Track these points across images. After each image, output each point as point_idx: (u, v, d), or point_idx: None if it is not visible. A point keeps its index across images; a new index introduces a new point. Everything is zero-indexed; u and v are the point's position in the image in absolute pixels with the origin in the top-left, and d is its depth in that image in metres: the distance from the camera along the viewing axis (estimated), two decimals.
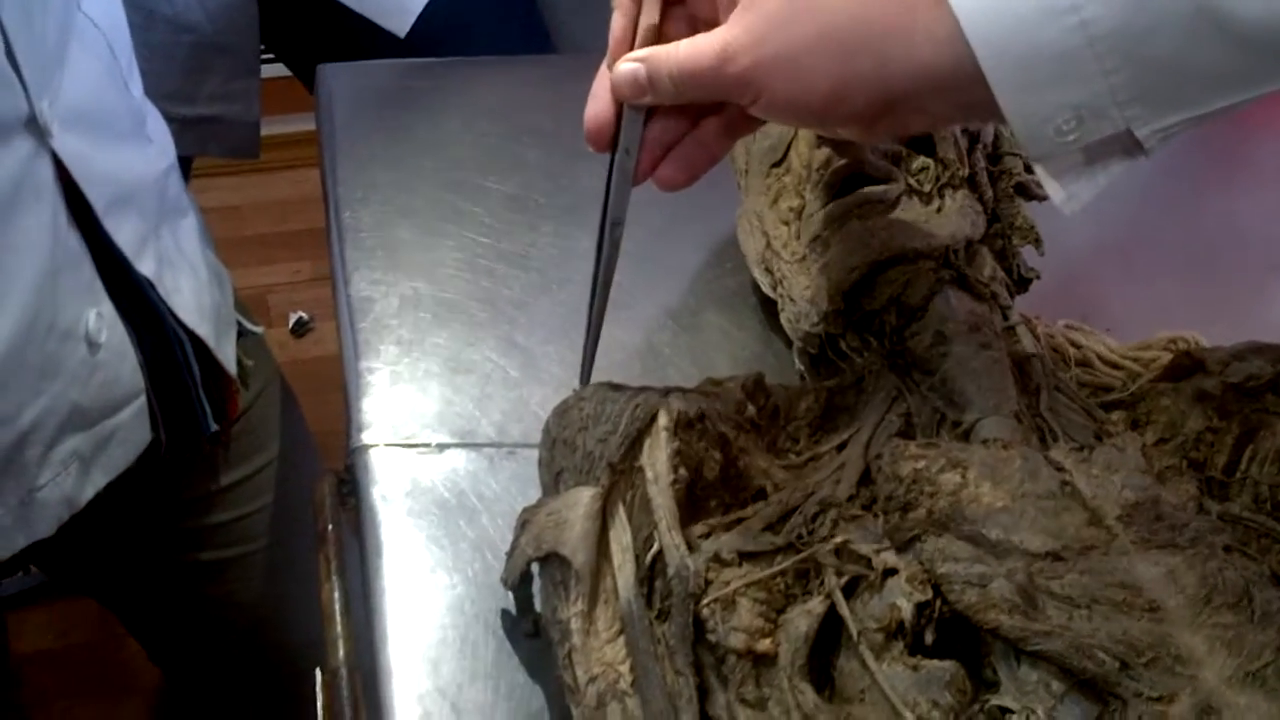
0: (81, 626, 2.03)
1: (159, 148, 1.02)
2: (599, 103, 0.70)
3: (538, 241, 1.00)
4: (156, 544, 1.17)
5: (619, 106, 0.70)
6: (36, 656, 1.98)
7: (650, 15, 0.71)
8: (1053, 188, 0.63)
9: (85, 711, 1.95)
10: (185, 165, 1.38)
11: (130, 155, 0.95)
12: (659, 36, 0.70)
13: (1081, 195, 0.63)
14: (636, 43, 0.70)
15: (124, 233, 0.91)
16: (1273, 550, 0.74)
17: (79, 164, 0.85)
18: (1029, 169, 0.88)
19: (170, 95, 1.25)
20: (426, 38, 1.27)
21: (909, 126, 0.69)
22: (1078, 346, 0.87)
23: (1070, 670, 0.59)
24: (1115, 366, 0.86)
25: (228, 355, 1.07)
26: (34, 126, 0.82)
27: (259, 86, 1.42)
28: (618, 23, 0.71)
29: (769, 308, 0.91)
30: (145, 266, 0.94)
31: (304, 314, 2.49)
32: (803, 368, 0.87)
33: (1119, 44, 0.57)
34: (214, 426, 1.06)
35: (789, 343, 0.88)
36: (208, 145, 1.41)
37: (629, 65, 0.68)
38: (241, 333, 1.13)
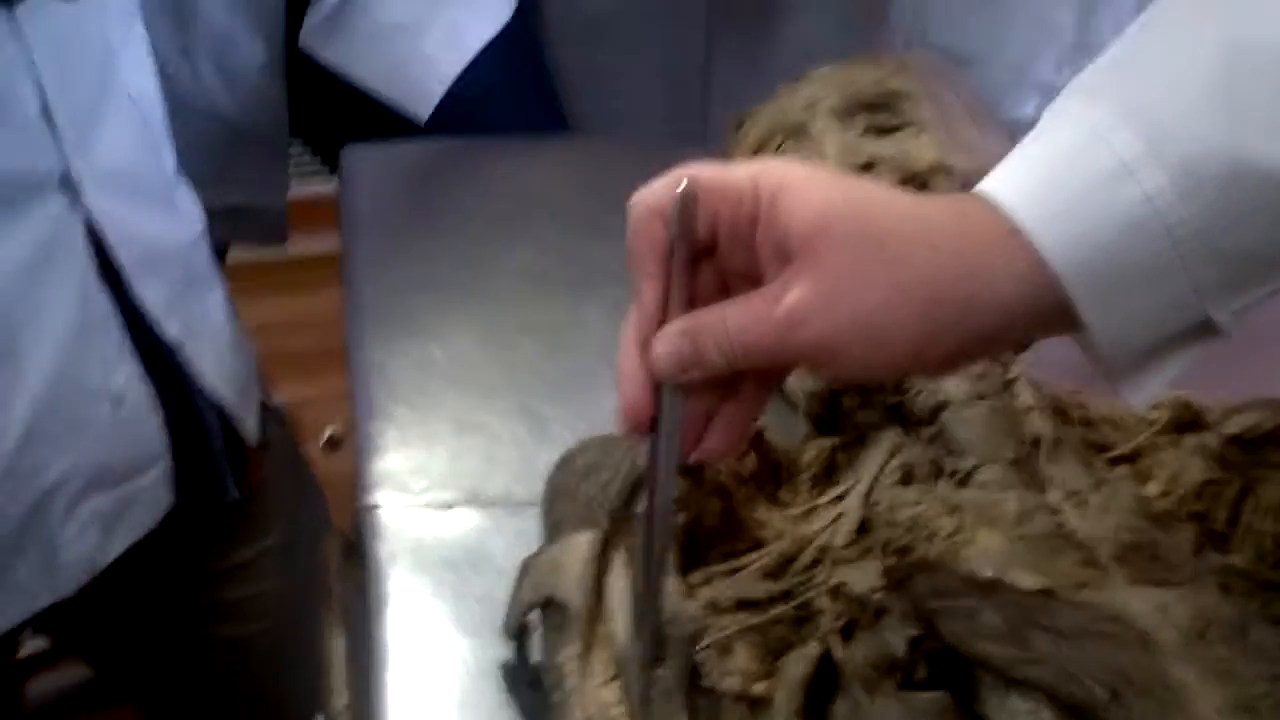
0: None
1: (188, 217, 1.04)
2: (633, 384, 0.61)
3: (551, 311, 1.01)
4: (173, 616, 1.18)
5: (657, 385, 0.61)
6: None
7: (681, 278, 0.60)
8: (1125, 390, 0.60)
9: None
10: (219, 254, 1.41)
11: (160, 220, 0.98)
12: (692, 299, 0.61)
13: (1152, 388, 0.60)
14: (671, 311, 0.60)
15: (151, 295, 0.93)
16: (1274, 604, 0.73)
17: (110, 224, 0.87)
18: None
19: (201, 183, 1.28)
20: (448, 120, 1.29)
21: (976, 360, 0.68)
22: (1081, 406, 0.87)
23: (1060, 699, 0.59)
24: (1118, 426, 0.86)
25: (250, 425, 1.08)
26: (68, 185, 0.84)
27: (287, 176, 1.44)
28: (646, 294, 0.61)
29: None
30: (171, 330, 0.96)
31: (337, 429, 2.50)
32: (807, 429, 0.87)
33: (1205, 242, 0.55)
34: (235, 493, 1.07)
35: (793, 407, 0.89)
36: (237, 233, 1.43)
37: (671, 340, 0.60)
38: (263, 405, 1.14)
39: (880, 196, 0.60)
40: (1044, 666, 0.60)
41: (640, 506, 0.65)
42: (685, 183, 0.59)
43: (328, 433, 2.54)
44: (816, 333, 0.57)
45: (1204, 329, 0.58)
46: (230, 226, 1.41)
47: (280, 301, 2.60)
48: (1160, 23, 0.60)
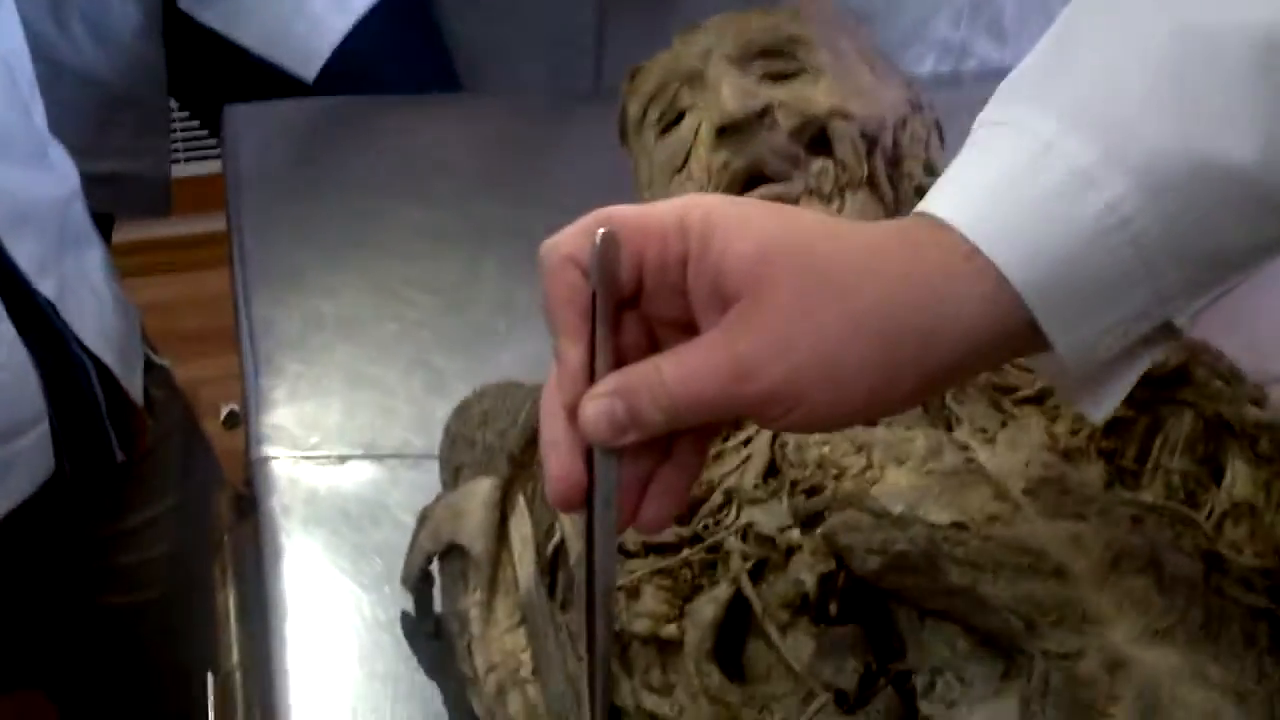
0: None
1: (60, 175, 1.01)
2: (562, 452, 0.55)
3: (445, 267, 0.99)
4: (61, 583, 1.14)
5: (588, 451, 0.55)
6: None
7: (606, 330, 0.54)
8: (1081, 401, 0.58)
9: None
10: (105, 226, 1.37)
11: (31, 178, 0.94)
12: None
13: (1108, 405, 0.58)
14: (598, 369, 0.54)
15: (23, 252, 0.90)
16: (1185, 535, 0.73)
17: None
18: (929, 172, 0.88)
19: (78, 150, 1.24)
20: (334, 81, 1.26)
21: (937, 393, 0.65)
22: None
23: (975, 629, 0.58)
24: (1024, 369, 0.86)
25: (134, 384, 1.05)
26: None
27: (169, 142, 1.41)
28: (569, 352, 0.54)
29: None
30: (46, 288, 0.93)
31: (235, 406, 2.47)
32: None
33: (1169, 247, 0.52)
34: (121, 456, 1.04)
35: None
36: (118, 202, 1.39)
37: (602, 402, 0.54)
38: (149, 366, 1.11)
39: (820, 225, 0.56)
40: (958, 598, 0.59)
41: (567, 587, 0.64)
42: (605, 227, 0.53)
43: (226, 410, 2.51)
44: (771, 382, 0.52)
45: (1162, 333, 0.55)
46: (111, 196, 1.37)
47: (174, 280, 2.57)
48: (1090, 20, 0.57)
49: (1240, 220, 0.52)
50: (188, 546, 1.13)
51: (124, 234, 1.48)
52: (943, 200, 0.55)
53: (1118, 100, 0.53)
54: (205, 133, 1.87)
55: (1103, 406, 0.58)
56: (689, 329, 0.54)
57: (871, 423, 0.65)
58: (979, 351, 0.54)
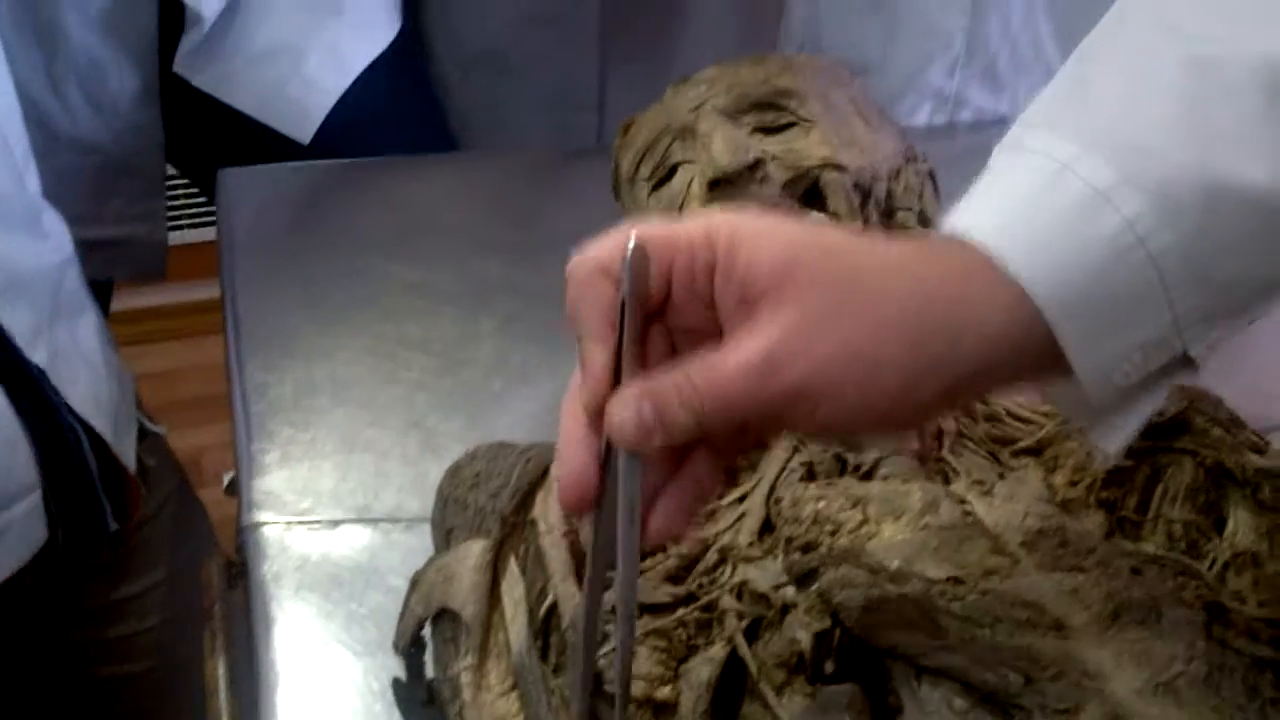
0: None
1: (54, 243, 1.01)
2: (577, 455, 0.56)
3: (439, 325, 0.99)
4: (52, 654, 1.13)
5: (604, 457, 0.55)
6: None
7: (633, 337, 0.55)
8: (1095, 434, 0.58)
9: None
10: (104, 293, 1.37)
11: (22, 244, 0.94)
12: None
13: (1122, 438, 0.57)
14: (625, 374, 0.55)
15: (15, 321, 0.89)
16: (1187, 586, 0.72)
17: None
18: (923, 223, 0.88)
19: (75, 217, 1.23)
20: (330, 142, 1.26)
21: (963, 405, 0.64)
22: (984, 402, 0.86)
23: (973, 686, 0.57)
24: (1025, 421, 0.85)
25: (127, 451, 1.04)
26: None
27: (164, 207, 1.41)
28: (595, 356, 0.55)
29: None
30: (38, 356, 0.92)
31: (236, 474, 2.45)
32: None
33: (1188, 268, 0.52)
34: (114, 526, 1.03)
35: None
36: (115, 267, 1.39)
37: (631, 404, 0.54)
38: (144, 434, 1.11)
39: (845, 236, 0.57)
40: (955, 653, 0.58)
41: (560, 650, 0.62)
42: (635, 237, 0.54)
43: (228, 478, 2.50)
44: (799, 375, 0.52)
45: (1179, 364, 0.55)
46: (108, 261, 1.37)
47: (174, 348, 2.57)
48: (1108, 48, 0.58)
49: (1257, 245, 0.53)
50: (180, 617, 1.12)
51: (122, 302, 1.48)
52: (963, 217, 0.55)
53: (1134, 126, 0.54)
54: (203, 199, 1.88)
55: (1117, 438, 0.57)
56: (715, 339, 0.54)
57: (901, 426, 0.62)
58: (1002, 362, 0.54)
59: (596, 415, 0.55)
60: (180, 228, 2.57)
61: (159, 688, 1.17)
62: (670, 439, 0.54)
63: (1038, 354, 0.53)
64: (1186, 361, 0.55)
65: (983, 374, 0.54)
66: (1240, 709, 0.57)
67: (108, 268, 1.38)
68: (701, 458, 0.57)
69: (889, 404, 0.53)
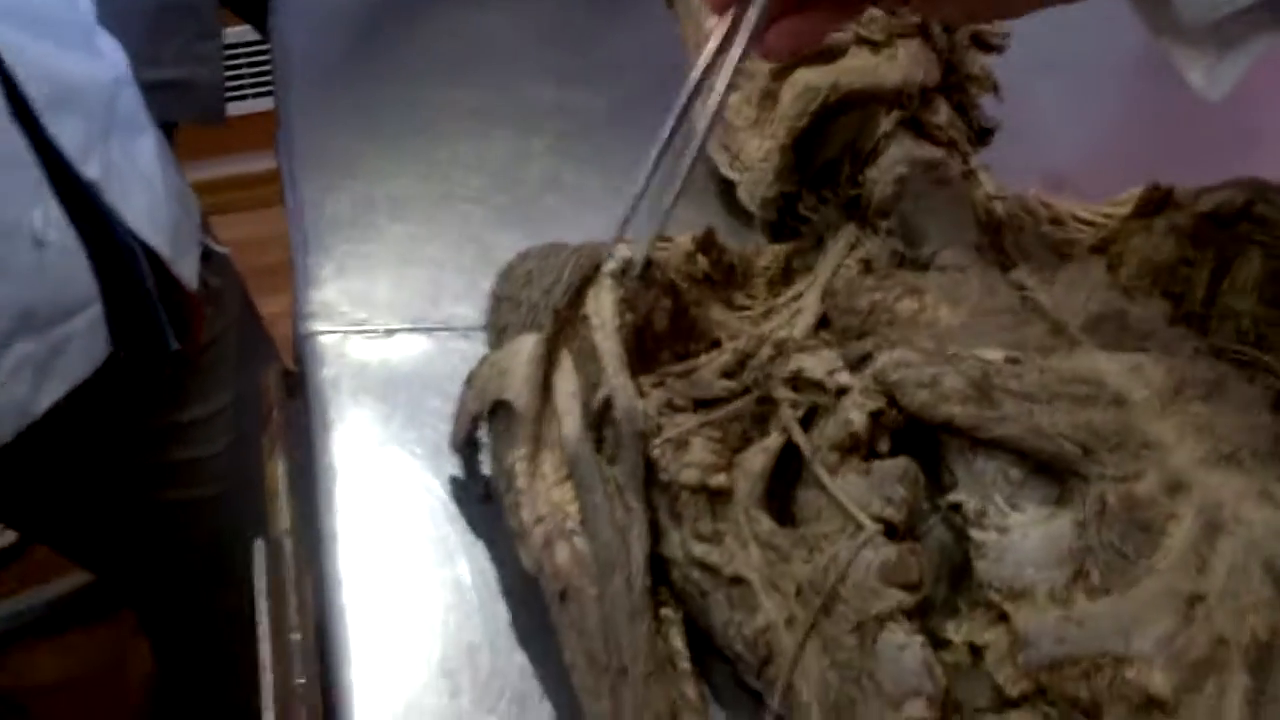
0: (86, 659, 2.02)
1: (109, 62, 1.00)
2: None
3: (494, 147, 0.97)
4: (119, 476, 1.14)
5: None
6: (39, 690, 1.97)
7: None
8: (1195, 72, 0.60)
9: None
10: (167, 134, 1.37)
11: (75, 60, 0.94)
12: None
13: (1227, 78, 0.60)
14: None
15: (66, 134, 0.89)
16: (1257, 380, 0.70)
17: (14, 56, 0.83)
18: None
19: (134, 58, 1.23)
20: None
21: None
22: (1047, 206, 0.84)
23: (1029, 457, 0.56)
24: (1089, 224, 0.83)
25: (188, 270, 1.04)
26: None
27: (220, 48, 1.40)
28: None
29: (730, 196, 0.88)
30: (90, 170, 0.92)
31: None
32: (762, 240, 0.84)
33: None
34: (175, 344, 1.04)
35: (747, 220, 0.86)
36: (175, 110, 1.39)
37: None
38: (208, 255, 1.11)
39: None
40: (1011, 424, 0.57)
41: (614, 443, 0.63)
42: None
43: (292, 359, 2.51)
44: None
45: (1276, 13, 0.57)
46: (167, 102, 1.36)
47: (230, 220, 2.59)
48: None
49: None
50: (246, 444, 1.13)
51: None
52: None
53: None
54: (263, 65, 1.86)
55: (1219, 83, 0.59)
56: None
57: (1021, 7, 0.65)
58: None
59: None
60: (238, 98, 2.58)
61: (224, 513, 1.18)
62: None
63: None
64: None
65: None
66: None
67: (167, 110, 1.37)
68: (821, 6, 0.65)
69: None
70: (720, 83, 0.65)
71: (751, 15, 0.64)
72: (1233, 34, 0.59)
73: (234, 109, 2.30)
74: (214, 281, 1.11)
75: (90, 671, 2.00)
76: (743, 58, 0.65)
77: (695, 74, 0.66)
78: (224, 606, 1.16)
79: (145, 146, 1.04)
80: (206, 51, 1.38)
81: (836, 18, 0.67)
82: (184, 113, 1.41)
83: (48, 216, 0.88)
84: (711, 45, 0.66)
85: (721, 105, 0.66)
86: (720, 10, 0.65)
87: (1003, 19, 0.82)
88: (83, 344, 0.94)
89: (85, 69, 0.96)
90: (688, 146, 0.67)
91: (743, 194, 0.84)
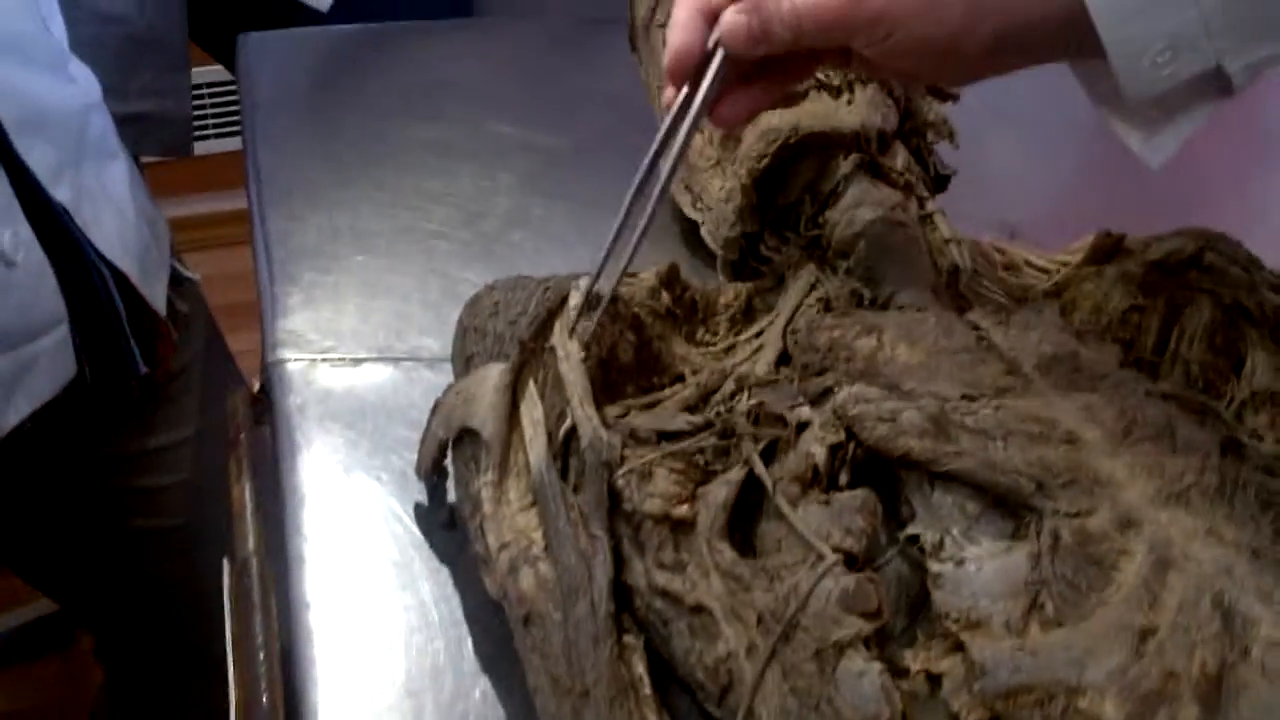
0: (36, 691, 2.01)
1: (81, 88, 1.01)
2: (687, 34, 0.68)
3: (460, 182, 0.99)
4: (86, 502, 1.14)
5: (706, 46, 0.67)
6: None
7: None
8: (1135, 140, 0.64)
9: None
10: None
11: (46, 84, 0.94)
12: None
13: (1167, 146, 0.63)
14: None
15: (36, 156, 0.90)
16: (1206, 424, 0.72)
17: None
18: None
19: (102, 91, 1.24)
20: (349, 11, 1.26)
21: (1008, 68, 0.67)
22: (1002, 252, 0.86)
23: (984, 491, 0.58)
24: (1042, 270, 0.85)
25: (155, 293, 1.05)
26: None
27: (189, 83, 1.41)
28: None
29: (693, 236, 0.90)
30: (61, 194, 0.93)
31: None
32: (724, 280, 0.86)
33: None
34: (144, 369, 1.04)
35: (709, 259, 0.87)
36: (142, 142, 1.39)
37: (739, 16, 0.66)
38: (178, 281, 1.11)
39: None
40: (967, 458, 0.58)
41: (578, 472, 0.65)
42: None
43: (257, 386, 2.51)
44: (880, 6, 0.63)
45: (1218, 84, 0.60)
46: (134, 136, 1.37)
47: (202, 258, 2.58)
48: None
49: None
50: (212, 474, 1.14)
51: None
52: None
53: None
54: (230, 105, 1.87)
55: (1160, 151, 0.64)
56: None
57: (955, 72, 0.68)
58: (1049, 26, 0.61)
59: (710, 16, 0.67)
60: (205, 138, 2.59)
61: (190, 544, 1.18)
62: (768, 51, 0.66)
63: (1074, 28, 0.60)
64: (1224, 83, 0.59)
65: (1028, 30, 0.62)
66: (1252, 518, 0.58)
67: (134, 143, 1.38)
68: (775, 71, 0.69)
69: (948, 40, 0.63)
70: (677, 144, 0.69)
71: (704, 89, 0.68)
72: (1174, 104, 0.62)
73: (202, 148, 2.31)
74: (182, 307, 1.12)
75: (40, 704, 1.99)
76: (696, 128, 0.69)
77: (658, 138, 0.70)
78: (183, 637, 1.17)
79: (117, 172, 1.05)
80: (174, 85, 1.38)
81: (783, 85, 0.71)
82: (151, 146, 1.41)
83: (17, 237, 0.89)
84: (669, 117, 0.69)
85: (681, 158, 0.70)
86: (677, 85, 0.69)
87: (944, 85, 0.85)
88: (49, 364, 0.94)
89: (58, 94, 0.97)
90: (651, 188, 0.70)
91: (705, 234, 0.86)
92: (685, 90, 0.68)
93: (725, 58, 0.67)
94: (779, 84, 0.71)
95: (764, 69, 0.69)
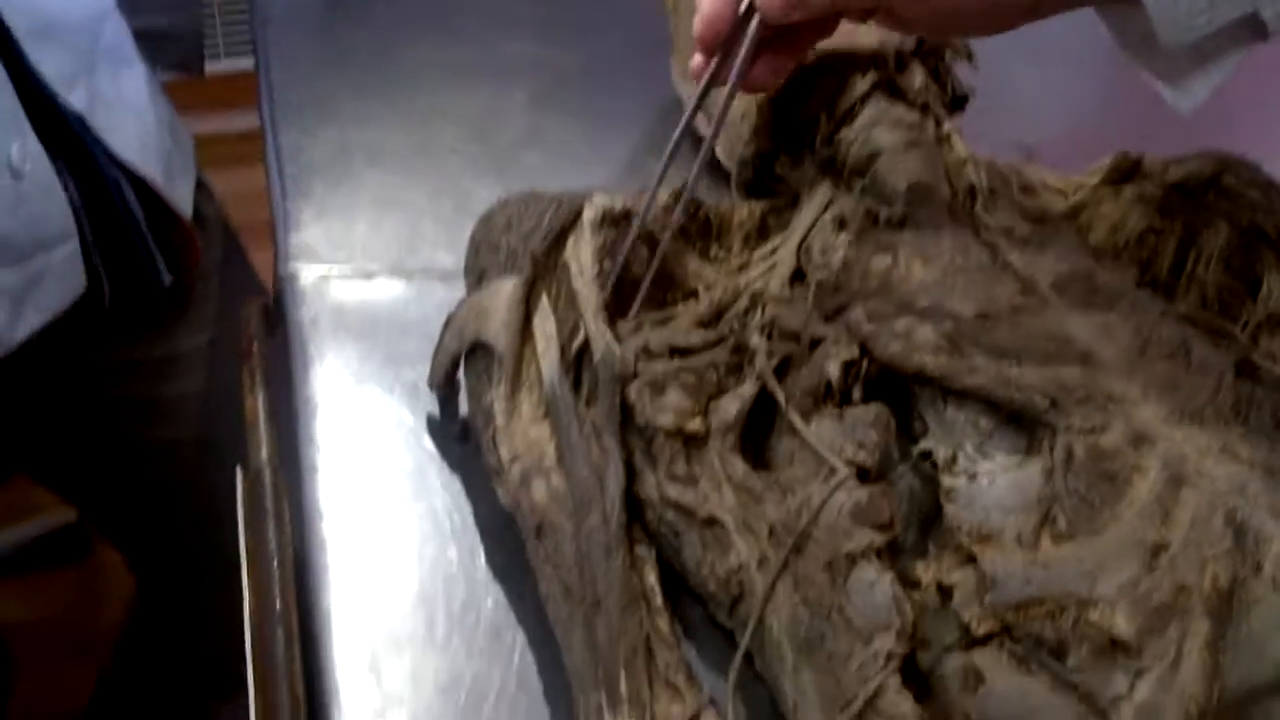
0: (55, 600, 2.02)
1: None
2: (717, 6, 0.67)
3: (472, 99, 0.98)
4: (98, 410, 1.14)
5: (738, 12, 0.67)
6: (10, 628, 1.97)
7: None
8: (1164, 87, 0.63)
9: (64, 676, 1.94)
10: None
11: None
12: None
13: (1198, 93, 0.62)
14: None
15: (49, 64, 0.89)
16: (1221, 345, 0.72)
17: None
18: None
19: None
20: None
21: (1044, 17, 0.66)
22: (1019, 174, 0.85)
23: (998, 407, 0.58)
24: (1059, 191, 0.85)
25: (181, 196, 1.04)
26: None
27: None
28: None
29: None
30: (75, 101, 0.92)
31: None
32: (738, 198, 0.85)
33: None
34: (168, 278, 1.04)
35: (725, 179, 0.87)
36: (155, 58, 1.39)
37: None
38: (199, 184, 1.11)
39: None
40: (981, 374, 0.58)
41: (591, 385, 0.65)
42: None
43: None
44: None
45: (1252, 29, 0.58)
46: (147, 51, 1.36)
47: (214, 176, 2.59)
48: None
49: None
50: (227, 386, 1.13)
51: None
52: None
53: None
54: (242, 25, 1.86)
55: (1190, 95, 0.62)
56: None
57: (995, 19, 0.66)
58: None
59: None
60: (217, 57, 2.58)
61: (204, 453, 1.18)
62: (806, 15, 0.65)
63: None
64: (1258, 28, 0.58)
65: None
66: (1266, 437, 0.58)
67: (147, 59, 1.37)
68: (806, 32, 0.69)
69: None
70: (716, 114, 0.69)
71: (740, 58, 0.68)
72: (1207, 51, 0.61)
73: (214, 67, 2.30)
74: (206, 209, 1.11)
75: (56, 613, 2.01)
76: (733, 97, 0.69)
77: (689, 109, 0.71)
78: (198, 545, 1.17)
79: (133, 78, 1.04)
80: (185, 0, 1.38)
81: (810, 44, 0.72)
82: (162, 62, 1.40)
83: (25, 149, 0.88)
84: (700, 85, 0.70)
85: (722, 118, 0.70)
86: (708, 55, 0.69)
87: (966, 38, 0.84)
88: (59, 278, 0.94)
89: (69, 2, 0.96)
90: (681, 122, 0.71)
91: (720, 152, 0.85)
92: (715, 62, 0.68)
93: (759, 23, 0.66)
94: (806, 44, 0.71)
95: (790, 29, 0.68)
